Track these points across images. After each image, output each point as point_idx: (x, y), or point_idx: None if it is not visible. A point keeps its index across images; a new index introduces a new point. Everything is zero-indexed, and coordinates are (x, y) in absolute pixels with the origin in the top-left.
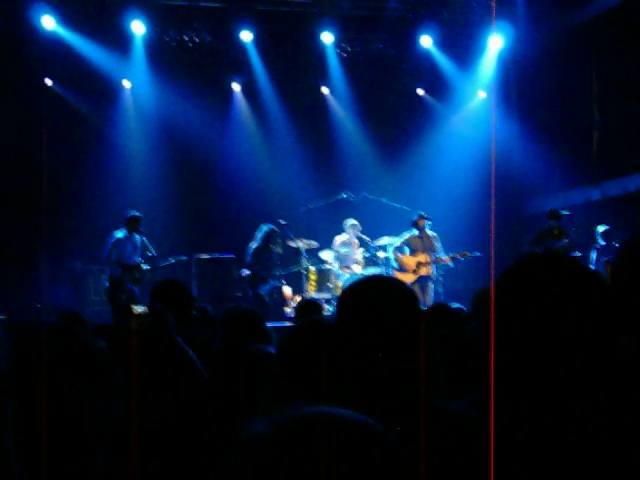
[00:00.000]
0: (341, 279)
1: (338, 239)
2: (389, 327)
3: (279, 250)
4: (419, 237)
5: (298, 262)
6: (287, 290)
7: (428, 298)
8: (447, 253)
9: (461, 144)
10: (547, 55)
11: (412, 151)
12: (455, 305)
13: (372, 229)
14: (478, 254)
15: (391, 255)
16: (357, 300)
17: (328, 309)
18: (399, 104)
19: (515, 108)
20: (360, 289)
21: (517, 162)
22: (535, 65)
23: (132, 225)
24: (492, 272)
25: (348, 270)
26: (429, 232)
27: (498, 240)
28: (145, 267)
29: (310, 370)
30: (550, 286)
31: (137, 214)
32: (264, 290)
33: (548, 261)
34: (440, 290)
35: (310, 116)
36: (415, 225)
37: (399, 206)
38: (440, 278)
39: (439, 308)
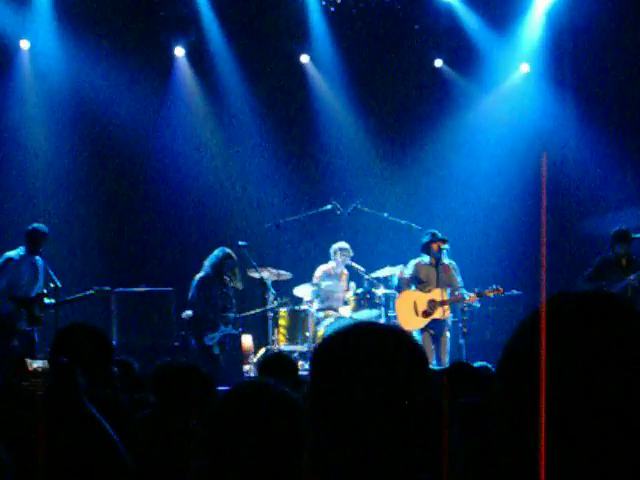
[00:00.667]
0: (322, 325)
1: (320, 269)
2: (385, 398)
3: (237, 284)
4: (432, 266)
5: (263, 301)
6: (247, 340)
7: (444, 353)
8: (472, 290)
9: (494, 138)
10: (613, 17)
11: (425, 147)
12: (479, 364)
13: (368, 255)
14: (516, 292)
15: (395, 283)
16: (339, 358)
17: (305, 367)
18: (408, 80)
19: (569, 89)
20: (344, 341)
21: (571, 165)
22: (596, 30)
23: (34, 243)
24: (542, 323)
25: (332, 313)
26: (446, 260)
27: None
28: (48, 301)
29: (254, 460)
30: (596, 348)
31: (41, 228)
32: (213, 339)
33: (598, 305)
34: (461, 342)
35: (284, 95)
36: (427, 249)
37: (405, 223)
38: (461, 325)
39: (459, 368)
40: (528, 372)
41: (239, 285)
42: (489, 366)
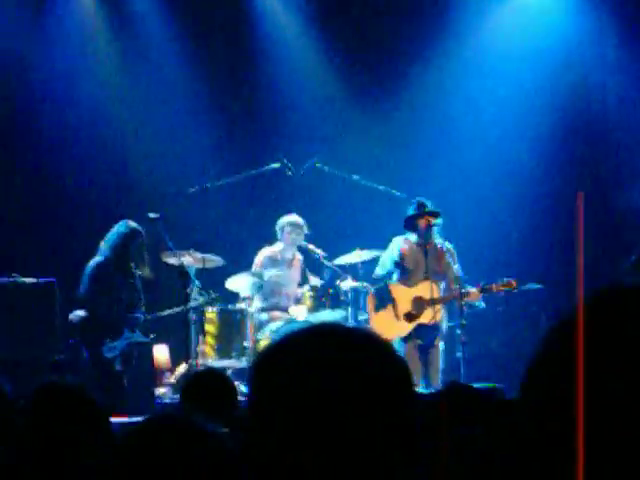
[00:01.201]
0: (267, 331)
1: (263, 254)
2: (353, 434)
3: (146, 272)
4: (420, 248)
5: (183, 297)
6: (161, 352)
7: (435, 371)
8: (474, 283)
9: (506, 73)
10: None
11: (412, 85)
12: (483, 385)
13: (331, 234)
14: (536, 286)
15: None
16: (288, 377)
17: (242, 390)
18: None
19: (616, 5)
20: (296, 352)
21: (613, 113)
22: None
23: None
24: (580, 331)
25: (280, 314)
26: (439, 242)
27: (572, 263)
28: None
29: None
30: None
31: None
32: (114, 350)
33: None
34: (459, 355)
35: (215, 13)
36: (411, 226)
37: (384, 189)
38: (459, 332)
39: (455, 391)
40: (565, 397)
41: (149, 273)
42: (496, 387)
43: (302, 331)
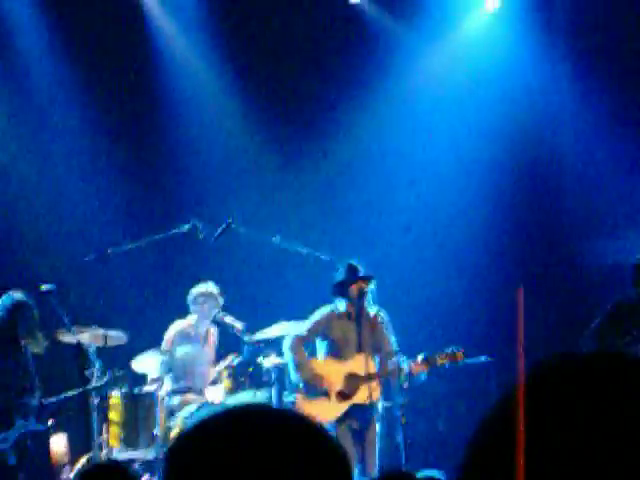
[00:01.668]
0: (179, 418)
1: (174, 329)
2: None
3: (37, 348)
4: (351, 319)
5: (82, 379)
6: (59, 442)
7: (371, 457)
8: (415, 356)
9: (447, 111)
10: None
11: (339, 134)
12: (425, 474)
13: (249, 305)
14: (484, 359)
15: (289, 358)
16: (205, 468)
17: None
18: (311, 26)
19: (560, 32)
20: (213, 440)
21: (568, 152)
22: None
23: None
24: (521, 408)
25: (195, 397)
26: (373, 310)
27: (530, 328)
28: None
29: None
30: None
31: None
32: (5, 442)
33: (611, 375)
34: (399, 439)
35: (115, 55)
36: (342, 292)
37: (308, 252)
38: (398, 413)
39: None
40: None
41: (39, 349)
42: (438, 476)
43: (220, 414)
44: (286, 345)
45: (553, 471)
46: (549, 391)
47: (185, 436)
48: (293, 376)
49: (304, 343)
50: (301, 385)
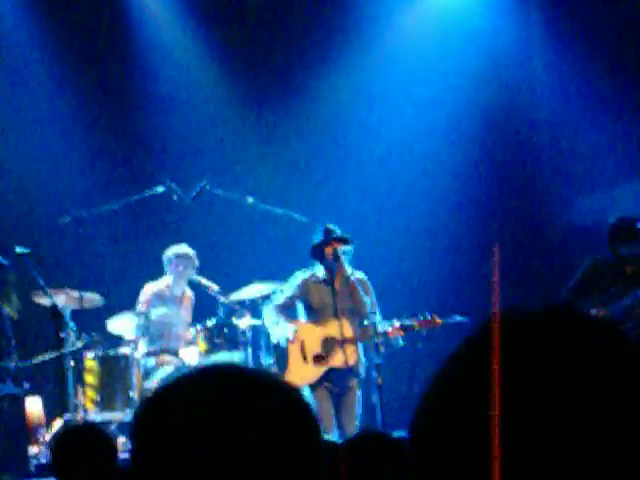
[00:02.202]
0: (155, 379)
1: (149, 290)
2: None
3: (11, 312)
4: (327, 283)
5: (57, 341)
6: (34, 405)
7: (350, 419)
8: (391, 320)
9: (420, 75)
10: None
11: (314, 93)
12: (400, 434)
13: (224, 266)
14: (460, 319)
15: (267, 320)
16: (175, 426)
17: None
18: None
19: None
20: (184, 398)
21: (543, 114)
22: None
23: None
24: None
25: (170, 359)
26: (349, 272)
27: (506, 288)
28: None
29: None
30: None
31: None
32: None
33: (561, 332)
34: (375, 400)
35: (96, 23)
36: (318, 255)
37: (283, 213)
38: (375, 374)
39: (370, 441)
40: (464, 426)
41: (12, 313)
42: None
43: (191, 374)
44: (266, 312)
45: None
46: (515, 337)
47: (157, 395)
48: (273, 338)
49: (284, 309)
50: (280, 346)
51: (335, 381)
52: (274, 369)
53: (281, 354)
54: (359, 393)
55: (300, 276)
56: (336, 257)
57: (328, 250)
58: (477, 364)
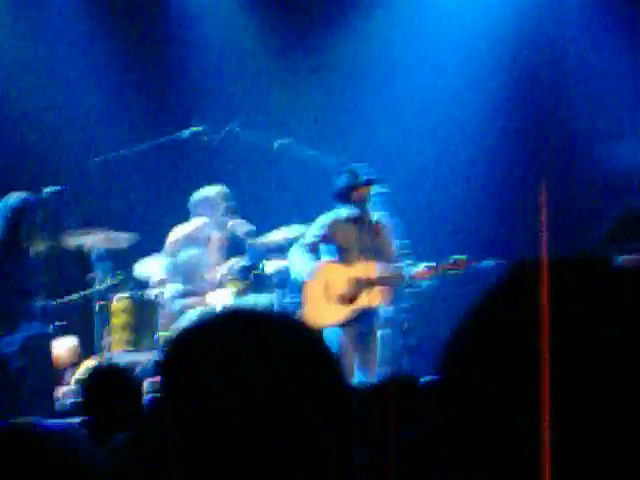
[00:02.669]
0: (184, 321)
1: (178, 232)
2: (272, 429)
3: (40, 248)
4: (354, 224)
5: (86, 282)
6: (64, 345)
7: (374, 362)
8: (417, 264)
9: (453, 29)
10: None
11: (344, 40)
12: (428, 379)
13: (253, 209)
14: (490, 263)
15: (294, 265)
16: (200, 365)
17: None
18: None
19: None
20: (210, 339)
21: (576, 63)
22: None
23: None
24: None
25: (199, 301)
26: (377, 216)
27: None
28: None
29: None
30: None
31: None
32: (12, 345)
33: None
34: (401, 342)
35: None
36: (345, 198)
37: (313, 154)
38: (404, 316)
39: (399, 385)
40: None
41: (41, 249)
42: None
43: (217, 316)
44: (292, 254)
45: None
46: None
47: (182, 336)
48: (298, 279)
49: (309, 250)
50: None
51: (360, 322)
52: (301, 312)
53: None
54: (379, 334)
55: (326, 217)
56: (364, 200)
57: (356, 193)
58: (514, 301)
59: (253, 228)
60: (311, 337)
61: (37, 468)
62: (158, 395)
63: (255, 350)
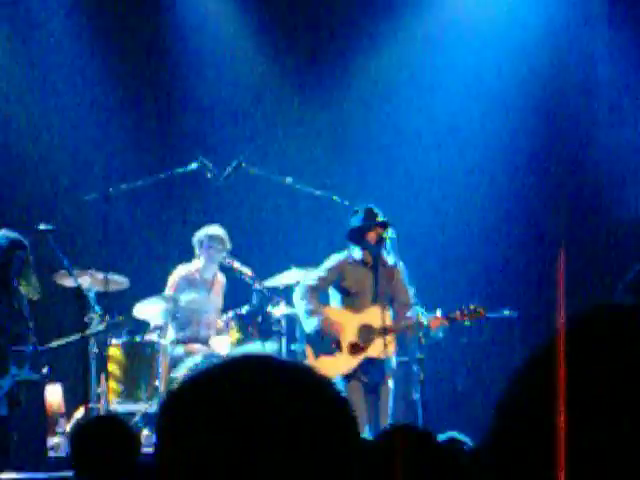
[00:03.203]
0: (183, 369)
1: (178, 273)
2: None
3: (32, 293)
4: (367, 267)
5: (82, 324)
6: (54, 393)
7: (384, 415)
8: (434, 311)
9: (468, 50)
10: None
11: (356, 77)
12: (446, 436)
13: (259, 250)
14: (508, 314)
15: (300, 307)
16: (203, 419)
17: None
18: None
19: None
20: (212, 391)
21: (602, 105)
22: None
23: None
24: (560, 359)
25: (200, 347)
26: (391, 260)
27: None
28: None
29: None
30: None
31: None
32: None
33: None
34: (416, 397)
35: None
36: (358, 239)
37: (322, 194)
38: (415, 368)
39: (411, 440)
40: (547, 438)
41: (33, 293)
42: (461, 438)
43: (220, 365)
44: (297, 294)
45: (597, 429)
46: (591, 341)
47: (183, 387)
48: (305, 325)
49: (317, 292)
50: (312, 335)
51: (370, 372)
52: (308, 360)
53: (314, 342)
54: (392, 385)
55: (336, 258)
56: (379, 242)
57: (371, 234)
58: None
59: (253, 272)
60: (328, 386)
61: None
62: (154, 450)
63: (264, 405)
